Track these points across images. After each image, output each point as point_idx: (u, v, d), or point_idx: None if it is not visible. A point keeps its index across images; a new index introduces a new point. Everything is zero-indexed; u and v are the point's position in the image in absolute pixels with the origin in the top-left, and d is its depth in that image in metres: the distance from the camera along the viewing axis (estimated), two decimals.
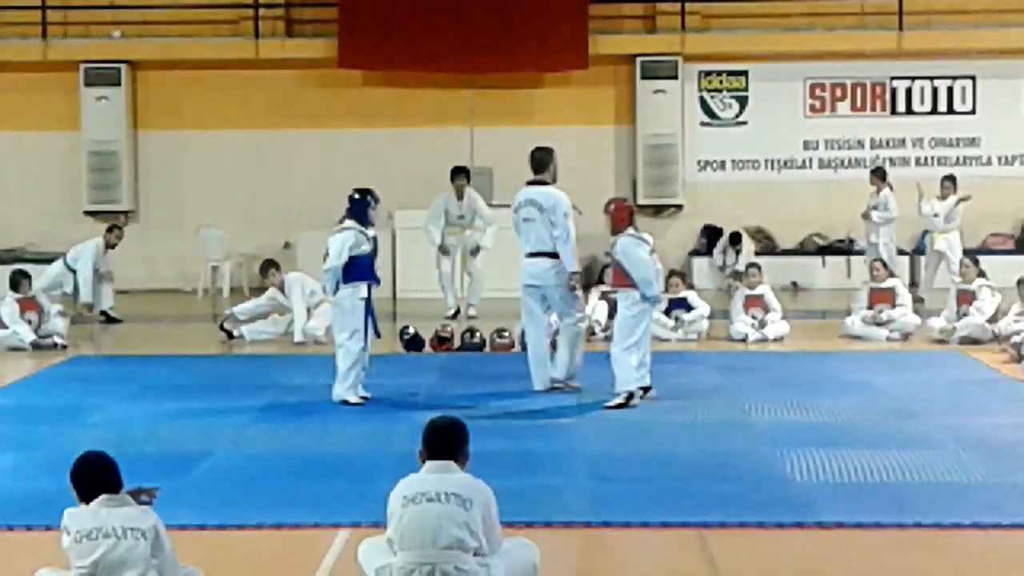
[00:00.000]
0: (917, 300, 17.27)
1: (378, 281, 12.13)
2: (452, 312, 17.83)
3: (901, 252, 20.30)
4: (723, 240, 21.34)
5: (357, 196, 12.07)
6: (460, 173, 18.12)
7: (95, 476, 6.14)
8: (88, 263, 18.03)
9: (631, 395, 11.60)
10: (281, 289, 15.97)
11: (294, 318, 15.80)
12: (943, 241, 18.88)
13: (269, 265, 16.39)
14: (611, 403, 11.59)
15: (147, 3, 22.04)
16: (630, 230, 11.83)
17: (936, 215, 18.93)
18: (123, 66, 21.93)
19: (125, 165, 22.08)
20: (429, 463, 6.51)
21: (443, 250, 17.98)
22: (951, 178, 19.29)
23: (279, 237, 21.74)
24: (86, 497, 6.12)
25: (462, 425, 6.65)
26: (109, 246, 18.38)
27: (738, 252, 21.01)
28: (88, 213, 22.09)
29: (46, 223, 22.03)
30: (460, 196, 17.96)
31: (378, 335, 12.30)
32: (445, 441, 6.54)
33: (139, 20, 22.11)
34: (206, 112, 22.23)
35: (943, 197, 19.04)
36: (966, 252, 18.26)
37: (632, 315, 11.66)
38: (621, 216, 11.93)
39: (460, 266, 18.32)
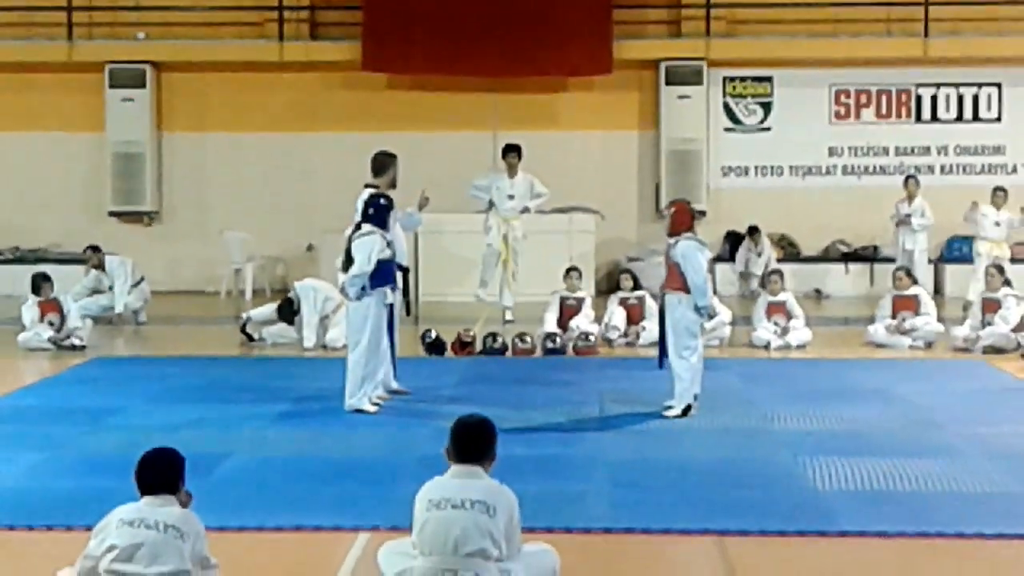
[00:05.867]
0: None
1: (396, 285, 12.08)
2: (508, 317, 17.35)
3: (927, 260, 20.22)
4: (745, 242, 21.29)
5: (382, 201, 11.96)
6: (512, 150, 17.43)
7: (150, 473, 6.28)
8: (82, 298, 17.85)
9: (690, 405, 11.47)
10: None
11: (304, 325, 15.75)
12: (999, 250, 18.80)
13: (288, 306, 16.07)
14: (670, 412, 11.49)
15: (172, 4, 22.10)
16: (690, 233, 11.59)
17: (998, 223, 18.86)
18: (148, 67, 22.02)
19: (149, 166, 22.16)
20: (455, 467, 6.50)
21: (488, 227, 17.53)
22: (1003, 189, 19.19)
23: (302, 240, 21.79)
24: (141, 490, 6.25)
25: (491, 424, 6.65)
26: (98, 267, 18.21)
27: (759, 255, 20.96)
28: (112, 214, 22.18)
29: (70, 224, 22.13)
30: (511, 174, 17.39)
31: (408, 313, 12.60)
32: (473, 440, 6.55)
33: (164, 22, 22.20)
34: (230, 114, 22.28)
35: (996, 207, 18.94)
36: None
37: (687, 323, 11.48)
38: (683, 219, 11.67)
39: (505, 259, 17.45)
